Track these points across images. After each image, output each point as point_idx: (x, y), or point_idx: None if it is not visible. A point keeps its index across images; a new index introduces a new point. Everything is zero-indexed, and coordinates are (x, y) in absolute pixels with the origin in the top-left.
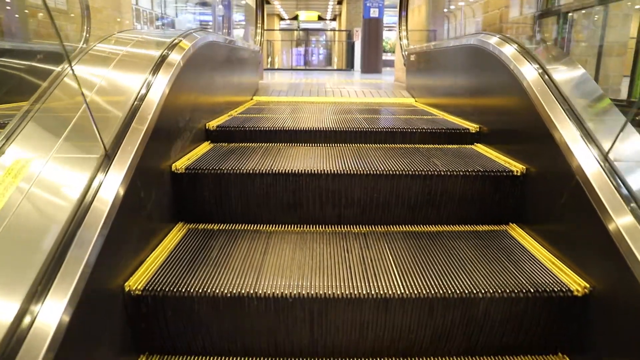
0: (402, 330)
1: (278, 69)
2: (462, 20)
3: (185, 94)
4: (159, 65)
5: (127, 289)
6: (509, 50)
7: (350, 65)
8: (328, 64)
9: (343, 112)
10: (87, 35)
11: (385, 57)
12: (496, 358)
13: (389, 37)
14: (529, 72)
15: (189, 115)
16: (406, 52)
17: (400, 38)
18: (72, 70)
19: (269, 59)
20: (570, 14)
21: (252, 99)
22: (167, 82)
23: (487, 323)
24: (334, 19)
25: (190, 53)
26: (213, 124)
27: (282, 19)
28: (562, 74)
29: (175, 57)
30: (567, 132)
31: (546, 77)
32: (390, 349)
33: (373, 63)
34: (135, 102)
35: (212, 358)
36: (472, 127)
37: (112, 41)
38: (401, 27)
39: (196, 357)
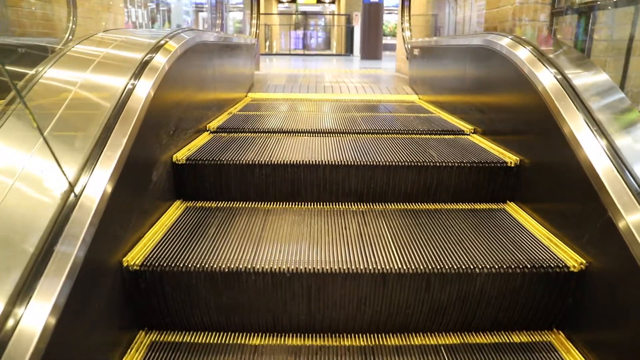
0: (400, 306)
1: (276, 54)
2: (469, 13)
3: (171, 100)
4: (141, 69)
5: (125, 264)
6: (523, 54)
7: (349, 50)
8: (327, 47)
9: (342, 111)
10: (74, 26)
11: (385, 40)
12: (492, 334)
13: (389, 20)
14: (545, 77)
15: (175, 123)
16: (409, 46)
17: (402, 30)
18: (24, 103)
19: (267, 43)
20: (592, 12)
21: (247, 96)
22: (150, 87)
23: (483, 299)
24: (332, 2)
25: (177, 55)
26: (212, 125)
27: (280, 1)
28: (582, 79)
29: (160, 60)
30: (576, 125)
31: (565, 82)
32: (387, 324)
33: (373, 49)
34: (114, 111)
35: (210, 333)
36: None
37: (93, 42)
38: (403, 17)
39: (195, 333)
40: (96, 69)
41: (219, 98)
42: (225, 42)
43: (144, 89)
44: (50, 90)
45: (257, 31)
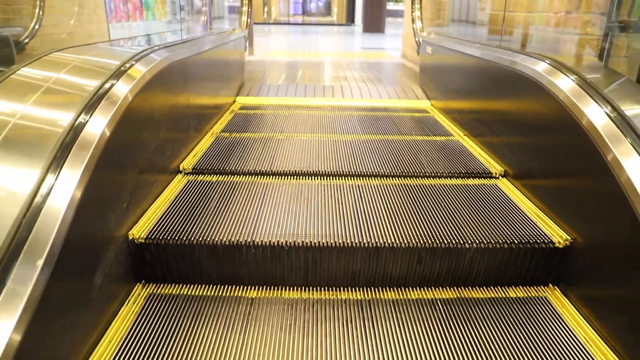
0: (392, 277)
1: (274, 23)
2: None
3: (134, 141)
4: (95, 102)
5: (130, 237)
6: (565, 84)
7: (350, 20)
8: (327, 12)
9: (345, 142)
10: (41, 12)
11: (388, 6)
12: (488, 289)
13: None
14: (594, 114)
15: (135, 178)
16: (420, 39)
17: (413, 20)
18: None
19: (265, 9)
20: None
21: (235, 102)
22: (105, 125)
23: (472, 272)
24: None
25: (145, 81)
26: (187, 163)
27: None
28: None
29: (122, 89)
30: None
31: (620, 120)
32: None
33: (376, 22)
34: (57, 155)
35: (208, 286)
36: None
37: (44, 63)
38: (414, 5)
39: (192, 286)
40: (39, 101)
41: (199, 117)
42: (208, 49)
43: (97, 128)
44: None
45: (249, 20)
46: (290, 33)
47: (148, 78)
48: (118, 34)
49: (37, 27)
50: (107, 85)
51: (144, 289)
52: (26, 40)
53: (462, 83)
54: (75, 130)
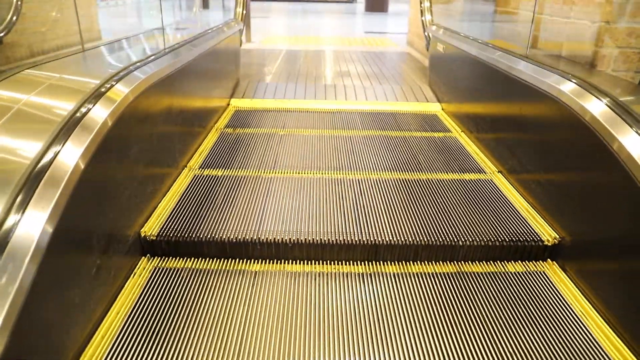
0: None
1: (274, 0)
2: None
3: (112, 176)
4: (69, 130)
5: (142, 234)
6: (596, 108)
7: None
8: None
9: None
10: (20, 2)
11: None
12: (488, 263)
13: None
14: (630, 142)
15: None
16: (429, 34)
17: (421, 12)
18: None
19: None
20: None
21: (229, 104)
22: (79, 156)
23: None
24: None
25: (127, 103)
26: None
27: None
28: None
29: (99, 114)
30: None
31: None
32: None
33: (378, 0)
34: (21, 196)
35: (211, 260)
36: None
37: (13, 84)
38: None
39: (196, 259)
40: (3, 129)
41: (195, 118)
42: (199, 54)
43: (70, 159)
44: None
45: (244, 12)
46: (290, 12)
47: (130, 99)
48: (112, 13)
49: (14, 18)
50: (80, 113)
51: (149, 263)
52: (1, 35)
53: (480, 92)
54: (43, 165)
